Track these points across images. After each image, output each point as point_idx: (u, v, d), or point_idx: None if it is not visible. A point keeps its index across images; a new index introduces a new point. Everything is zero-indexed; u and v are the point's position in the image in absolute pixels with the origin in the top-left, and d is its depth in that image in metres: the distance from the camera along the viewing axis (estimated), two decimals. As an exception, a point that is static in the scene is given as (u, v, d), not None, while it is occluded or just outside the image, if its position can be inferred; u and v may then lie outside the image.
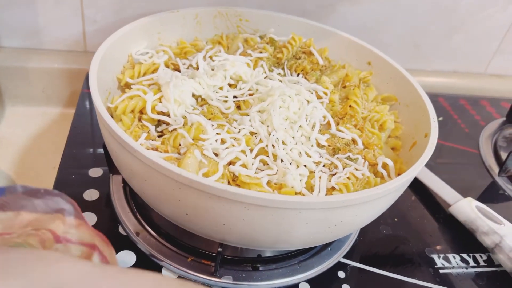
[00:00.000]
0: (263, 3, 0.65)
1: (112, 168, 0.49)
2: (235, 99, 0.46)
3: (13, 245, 0.30)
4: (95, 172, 0.50)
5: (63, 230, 0.29)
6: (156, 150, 0.39)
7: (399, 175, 0.43)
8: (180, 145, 0.39)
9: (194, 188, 0.32)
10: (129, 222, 0.44)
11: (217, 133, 0.40)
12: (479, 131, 0.69)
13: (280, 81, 0.49)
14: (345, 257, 0.45)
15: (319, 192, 0.37)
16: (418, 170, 0.37)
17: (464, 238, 0.50)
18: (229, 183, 0.38)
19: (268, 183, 0.38)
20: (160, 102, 0.42)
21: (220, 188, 0.31)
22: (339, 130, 0.44)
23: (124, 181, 0.48)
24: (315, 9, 0.68)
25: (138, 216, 0.45)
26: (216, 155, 0.39)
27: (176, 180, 0.32)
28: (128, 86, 0.46)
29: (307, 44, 0.54)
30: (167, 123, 0.42)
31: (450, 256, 0.48)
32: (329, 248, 0.45)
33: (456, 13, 0.73)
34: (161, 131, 0.42)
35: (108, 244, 0.29)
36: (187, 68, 0.48)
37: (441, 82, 0.78)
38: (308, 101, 0.45)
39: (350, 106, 0.46)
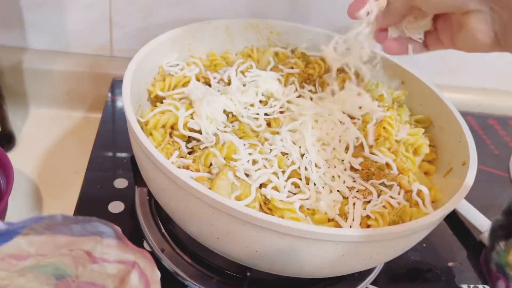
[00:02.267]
0: (290, 14, 0.64)
1: (138, 180, 0.48)
2: (265, 116, 0.45)
3: (46, 264, 0.29)
4: (120, 183, 0.49)
5: (100, 251, 0.29)
6: (187, 168, 0.38)
7: (433, 202, 0.42)
8: (211, 164, 0.38)
9: (229, 214, 0.31)
10: (154, 237, 0.44)
11: (248, 154, 0.39)
12: (509, 154, 0.67)
13: (311, 98, 0.48)
14: (373, 283, 0.44)
15: (353, 220, 0.36)
16: (457, 203, 0.36)
17: (494, 268, 0.49)
18: (260, 206, 0.37)
19: (301, 208, 0.37)
20: (192, 118, 0.41)
21: (256, 217, 0.31)
22: (373, 153, 0.43)
23: (149, 194, 0.48)
24: (343, 21, 0.66)
25: (163, 231, 0.45)
26: (246, 175, 0.38)
27: (210, 204, 0.32)
28: (158, 98, 0.45)
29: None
30: (198, 140, 0.41)
31: (480, 286, 0.47)
32: (356, 274, 0.44)
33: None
34: (192, 148, 0.41)
35: (150, 261, 0.28)
36: (218, 82, 0.47)
37: (469, 99, 0.76)
38: (341, 122, 0.44)
39: (383, 128, 0.45)
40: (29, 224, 0.25)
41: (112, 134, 0.57)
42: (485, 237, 0.50)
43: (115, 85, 0.63)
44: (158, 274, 0.27)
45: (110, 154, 0.53)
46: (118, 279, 0.29)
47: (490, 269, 0.28)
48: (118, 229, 0.27)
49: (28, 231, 0.26)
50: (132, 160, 0.48)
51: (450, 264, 0.49)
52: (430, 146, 0.47)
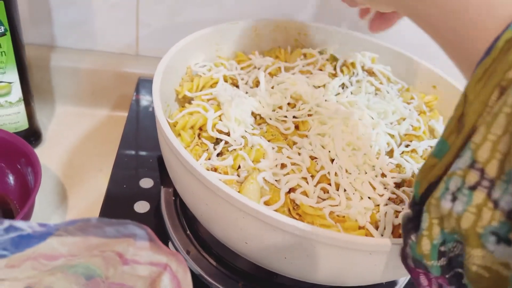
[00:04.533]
0: (318, 16, 0.63)
1: (164, 180, 0.48)
2: (294, 119, 0.44)
3: (76, 264, 0.29)
4: (146, 183, 0.49)
5: (132, 253, 0.28)
6: (215, 170, 0.38)
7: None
8: (239, 167, 0.38)
9: (260, 219, 0.31)
10: (179, 239, 0.43)
11: (277, 158, 0.38)
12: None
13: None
14: (400, 293, 0.43)
15: (384, 229, 0.35)
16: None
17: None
18: (289, 211, 0.36)
19: (330, 213, 0.36)
20: (220, 120, 0.41)
21: (288, 223, 0.30)
22: (405, 160, 0.42)
23: (175, 194, 0.47)
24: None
25: (189, 232, 0.44)
26: (276, 180, 0.37)
27: (240, 209, 0.31)
28: (186, 99, 0.45)
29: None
30: (226, 142, 0.40)
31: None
32: (384, 282, 0.43)
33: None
34: (220, 150, 0.40)
35: (183, 264, 0.28)
36: (246, 83, 0.47)
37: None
38: (373, 127, 0.43)
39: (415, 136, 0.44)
40: (63, 226, 0.25)
41: (137, 133, 0.57)
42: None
43: (141, 84, 0.63)
44: (190, 277, 0.27)
45: (135, 153, 0.53)
46: (148, 281, 0.29)
47: (409, 267, 0.27)
48: (151, 231, 0.27)
49: (62, 232, 0.26)
50: (159, 159, 0.47)
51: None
52: (462, 153, 0.46)
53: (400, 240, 0.31)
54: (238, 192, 0.35)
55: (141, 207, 0.46)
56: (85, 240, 0.27)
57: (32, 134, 0.58)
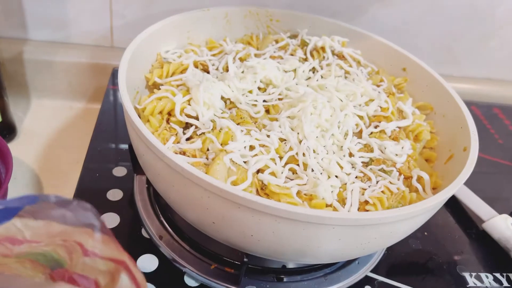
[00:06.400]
0: (293, 2, 0.63)
1: (136, 168, 0.48)
2: (264, 103, 0.44)
3: (41, 252, 0.29)
4: (119, 171, 0.49)
5: (92, 245, 0.28)
6: (184, 153, 0.38)
7: (434, 189, 0.41)
8: (208, 150, 0.38)
9: (224, 197, 0.31)
10: (152, 225, 0.43)
11: (245, 140, 0.39)
12: (514, 143, 0.66)
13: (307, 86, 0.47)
14: (372, 271, 0.44)
15: (351, 205, 0.36)
16: (457, 187, 0.35)
17: (497, 257, 0.48)
18: (257, 192, 0.36)
19: (298, 193, 0.36)
20: (189, 104, 0.41)
21: (251, 199, 0.30)
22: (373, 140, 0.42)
23: (148, 182, 0.48)
24: (346, 9, 0.66)
25: (162, 218, 0.44)
26: (244, 161, 0.37)
27: (205, 188, 0.31)
28: (156, 85, 0.45)
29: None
30: (196, 126, 0.41)
31: (482, 275, 0.46)
32: (357, 262, 0.44)
33: (492, 18, 0.70)
34: (190, 135, 0.41)
35: (135, 264, 0.28)
36: (216, 69, 0.47)
37: (474, 89, 0.75)
38: (341, 109, 0.43)
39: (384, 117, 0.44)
40: (24, 204, 0.25)
41: (112, 123, 0.57)
42: (488, 225, 0.49)
43: (116, 75, 0.63)
44: (143, 277, 0.27)
45: (109, 142, 0.53)
46: (108, 277, 0.29)
47: None
48: (104, 223, 0.27)
49: (24, 213, 0.26)
50: (130, 147, 0.47)
51: (452, 252, 0.48)
52: (431, 132, 0.46)
53: (363, 214, 0.31)
54: (205, 173, 0.35)
55: (114, 195, 0.46)
56: (47, 226, 0.27)
57: (6, 128, 0.57)
